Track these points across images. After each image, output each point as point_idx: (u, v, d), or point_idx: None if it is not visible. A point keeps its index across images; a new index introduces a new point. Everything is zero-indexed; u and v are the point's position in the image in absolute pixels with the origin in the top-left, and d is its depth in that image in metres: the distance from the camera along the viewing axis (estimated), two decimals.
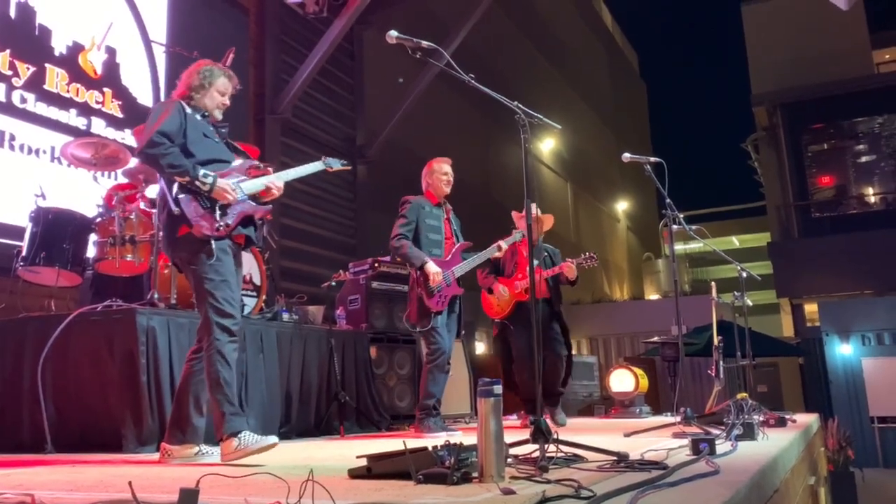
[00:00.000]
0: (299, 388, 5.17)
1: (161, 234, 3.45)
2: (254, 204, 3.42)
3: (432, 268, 4.79)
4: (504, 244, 5.19)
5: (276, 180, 3.49)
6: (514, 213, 5.91)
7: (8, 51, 6.27)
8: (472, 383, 6.65)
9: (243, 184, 3.37)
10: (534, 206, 5.99)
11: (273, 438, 3.09)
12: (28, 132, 6.33)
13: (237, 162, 3.48)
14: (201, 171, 3.20)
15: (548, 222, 5.92)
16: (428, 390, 4.85)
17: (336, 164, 3.87)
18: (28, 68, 6.43)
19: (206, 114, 3.51)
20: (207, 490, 1.86)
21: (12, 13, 6.42)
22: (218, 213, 3.23)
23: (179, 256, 3.33)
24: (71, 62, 6.84)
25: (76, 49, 6.93)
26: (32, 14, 6.59)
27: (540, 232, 5.75)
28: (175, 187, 3.23)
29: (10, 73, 6.27)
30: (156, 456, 3.40)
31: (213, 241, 3.21)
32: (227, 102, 3.59)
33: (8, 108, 6.21)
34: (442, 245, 5.06)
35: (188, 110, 3.40)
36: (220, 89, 3.52)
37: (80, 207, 5.18)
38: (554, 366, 5.78)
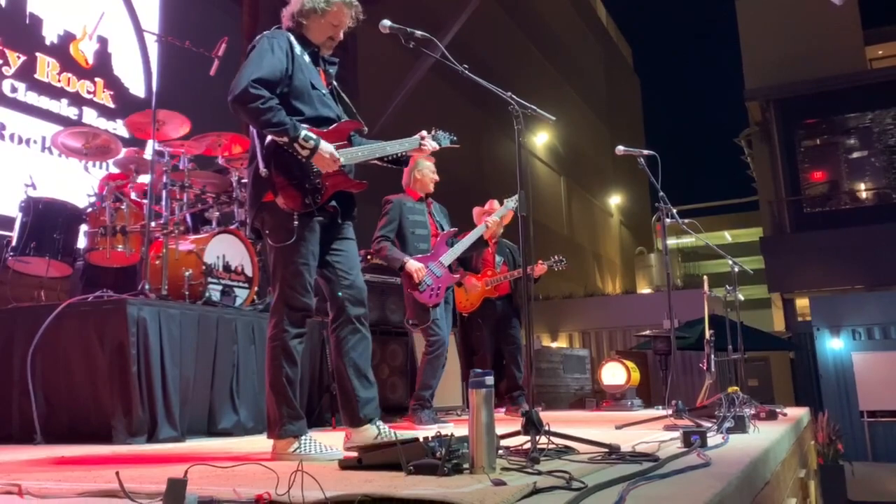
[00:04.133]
0: None
1: (248, 188, 2.98)
2: (350, 177, 2.97)
3: (412, 265, 4.80)
4: (491, 219, 5.23)
5: (378, 152, 3.08)
6: (475, 210, 6.06)
7: None
8: (464, 375, 6.65)
9: (342, 151, 2.88)
10: (495, 201, 6.13)
11: (338, 453, 2.75)
12: (19, 121, 6.29)
13: (338, 122, 2.99)
14: (303, 133, 2.73)
15: (507, 217, 5.95)
16: (426, 381, 4.86)
17: (445, 141, 3.35)
18: (19, 57, 6.38)
19: (317, 49, 3.02)
20: (196, 480, 1.85)
21: (2, 1, 6.37)
22: (310, 184, 2.80)
23: (261, 223, 2.90)
24: (62, 51, 6.80)
25: (68, 38, 6.88)
26: (23, 2, 6.55)
27: (504, 225, 5.90)
28: (268, 141, 2.79)
29: (0, 62, 6.22)
30: (146, 448, 3.39)
31: (298, 217, 2.79)
32: (340, 37, 3.07)
33: None
34: (429, 239, 5.06)
35: (297, 50, 2.90)
36: (335, 19, 3.00)
37: (70, 197, 5.15)
38: (514, 358, 6.02)
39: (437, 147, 3.31)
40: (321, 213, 2.88)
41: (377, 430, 2.91)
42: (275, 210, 2.81)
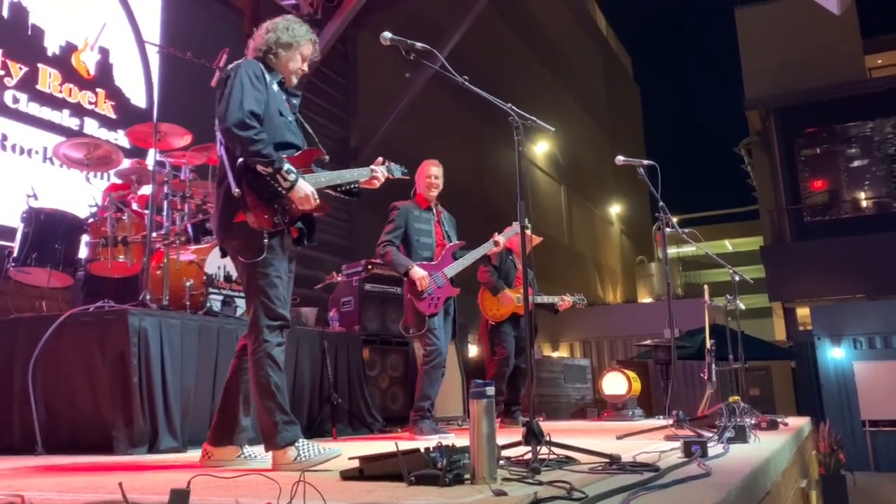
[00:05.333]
0: (292, 390, 5.15)
1: (215, 209, 3.08)
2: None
3: (417, 272, 4.80)
4: (501, 238, 5.22)
5: (336, 179, 3.19)
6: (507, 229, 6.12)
7: (0, 51, 6.25)
8: (465, 386, 6.65)
9: (307, 177, 3.02)
10: (528, 227, 6.23)
11: (337, 450, 2.86)
12: (20, 132, 6.31)
13: (304, 149, 3.13)
14: (286, 166, 2.86)
15: (535, 241, 6.06)
16: (424, 392, 4.84)
17: (397, 172, 3.48)
18: (21, 68, 6.41)
19: (283, 79, 3.16)
20: (198, 491, 1.85)
21: (5, 13, 6.40)
22: (280, 206, 2.91)
23: (230, 244, 3.03)
24: (64, 62, 6.83)
25: (69, 49, 6.91)
26: (25, 14, 6.58)
27: (529, 249, 5.95)
28: (238, 161, 2.90)
29: (2, 73, 6.25)
30: (148, 458, 3.39)
31: (268, 235, 2.91)
32: (306, 69, 3.25)
33: (0, 109, 6.19)
34: (433, 248, 5.06)
35: (268, 78, 3.05)
36: (304, 53, 3.19)
37: (72, 208, 5.16)
38: (523, 374, 6.20)
39: (384, 178, 3.40)
40: (287, 234, 3.01)
41: (240, 451, 3.07)
42: (245, 229, 2.92)
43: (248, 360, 3.00)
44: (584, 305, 6.52)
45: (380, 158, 3.42)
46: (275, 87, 3.09)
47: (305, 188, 2.91)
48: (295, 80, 3.24)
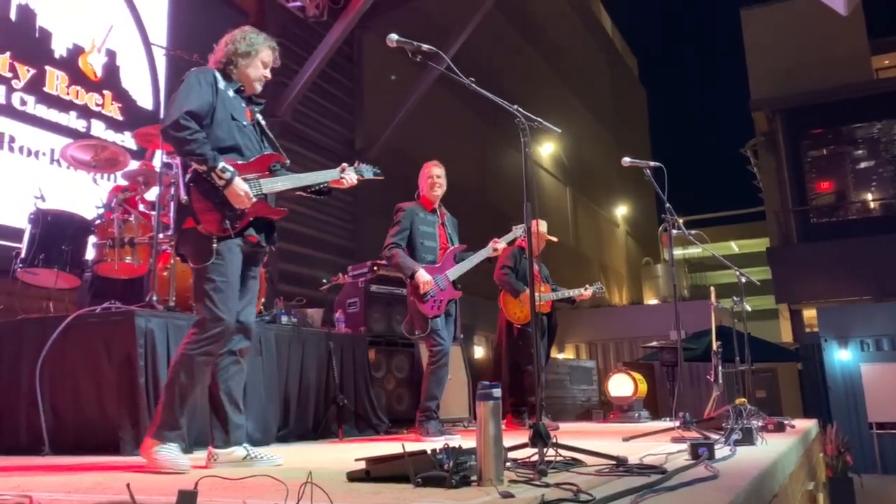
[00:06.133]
0: (298, 392, 5.16)
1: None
2: (270, 205, 3.19)
3: (423, 276, 4.82)
4: (500, 243, 5.20)
5: (298, 182, 3.28)
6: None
7: (8, 53, 6.28)
8: (471, 387, 6.64)
9: (262, 181, 3.12)
10: (542, 223, 6.32)
11: (186, 464, 2.90)
12: (28, 134, 6.34)
13: (259, 154, 3.21)
14: (221, 164, 2.96)
15: (549, 239, 6.34)
16: (431, 392, 4.85)
17: (368, 173, 3.54)
18: (28, 70, 6.43)
19: (242, 87, 3.26)
20: (206, 492, 1.86)
21: (13, 15, 6.42)
22: (228, 210, 3.01)
23: (183, 250, 3.15)
24: (71, 64, 6.85)
25: (76, 51, 6.93)
26: (33, 16, 6.60)
27: (541, 247, 6.10)
28: (191, 170, 3.02)
29: (10, 75, 6.28)
30: None
31: (217, 240, 3.00)
32: (269, 76, 3.35)
33: (8, 110, 6.22)
34: (437, 251, 5.07)
35: (221, 85, 3.15)
36: (264, 60, 3.29)
37: (79, 209, 5.18)
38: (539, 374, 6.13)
39: (356, 179, 3.47)
40: (240, 238, 3.09)
41: (245, 452, 3.12)
42: (195, 235, 3.03)
43: (223, 361, 3.12)
44: (602, 293, 6.52)
45: (344, 165, 3.49)
46: (230, 93, 3.19)
47: (239, 187, 2.98)
48: (259, 87, 3.34)
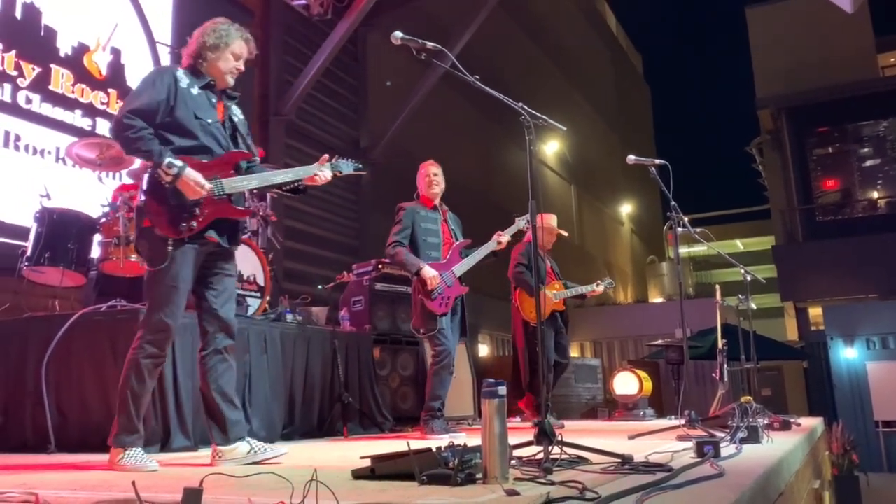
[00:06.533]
0: (303, 390, 5.17)
1: None
2: (234, 205, 3.13)
3: (428, 272, 4.80)
4: (504, 236, 5.17)
5: (268, 180, 3.22)
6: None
7: (13, 51, 6.29)
8: (476, 385, 6.64)
9: (226, 180, 3.06)
10: (552, 217, 6.34)
11: (153, 465, 2.91)
12: (33, 132, 6.35)
13: (224, 153, 3.15)
14: (167, 160, 2.90)
15: (559, 232, 6.42)
16: (434, 392, 4.84)
17: (347, 168, 3.40)
18: (33, 69, 6.44)
19: (213, 81, 3.21)
20: (211, 490, 1.86)
21: (18, 14, 6.43)
22: (186, 212, 2.96)
23: (140, 246, 3.17)
24: (76, 63, 6.86)
25: (81, 50, 6.95)
26: (38, 15, 6.61)
27: (551, 241, 6.18)
28: (149, 172, 3.02)
29: (15, 73, 6.29)
30: (159, 457, 3.40)
31: (171, 243, 2.97)
32: (242, 68, 3.28)
33: (13, 109, 6.23)
34: (440, 248, 5.06)
35: (183, 84, 3.10)
36: (235, 52, 3.23)
37: (84, 208, 5.18)
38: (562, 370, 6.39)
39: (330, 176, 3.36)
40: (198, 240, 3.04)
41: (249, 446, 3.11)
42: (151, 235, 3.01)
43: (210, 360, 3.13)
44: (612, 288, 6.60)
45: (325, 157, 3.40)
46: (195, 90, 3.13)
47: (190, 177, 2.93)
48: (231, 81, 3.26)
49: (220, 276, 3.19)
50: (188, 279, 3.06)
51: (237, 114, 3.32)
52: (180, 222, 2.96)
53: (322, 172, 3.33)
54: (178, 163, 2.93)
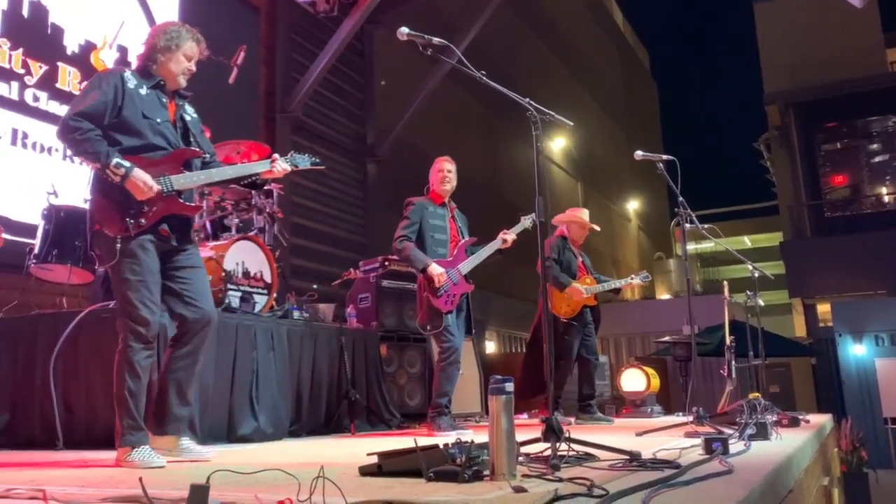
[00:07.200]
0: (310, 386, 5.17)
1: None
2: (183, 201, 3.15)
3: (435, 269, 4.79)
4: (510, 235, 5.15)
5: (218, 176, 3.26)
6: (556, 218, 6.27)
7: (21, 49, 6.30)
8: (483, 382, 6.63)
9: (174, 177, 3.10)
10: (584, 212, 6.34)
11: (161, 462, 2.93)
12: (40, 130, 6.36)
13: (172, 151, 3.19)
14: (115, 160, 2.94)
15: (591, 227, 6.40)
16: (442, 389, 4.84)
17: (304, 163, 3.43)
18: (41, 67, 6.46)
19: (163, 81, 3.25)
20: (218, 486, 1.86)
21: (25, 12, 6.45)
22: (130, 209, 3.00)
23: (93, 248, 3.14)
24: (83, 61, 6.87)
25: (88, 48, 6.96)
26: (45, 13, 6.63)
27: (583, 236, 6.24)
28: (94, 173, 3.07)
29: (22, 71, 6.30)
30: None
31: (120, 240, 2.99)
32: (193, 69, 3.32)
33: (20, 107, 6.25)
34: (447, 245, 5.05)
35: (131, 84, 3.14)
36: (187, 53, 3.27)
37: None
38: (593, 366, 6.28)
39: (289, 168, 3.40)
40: (152, 234, 3.06)
41: (180, 444, 3.14)
42: (102, 236, 3.05)
43: (178, 351, 3.15)
44: (648, 281, 6.59)
45: (276, 156, 3.45)
46: (143, 90, 3.17)
47: (139, 178, 2.96)
48: (183, 81, 3.31)
49: (189, 268, 3.21)
50: (154, 270, 3.08)
51: (190, 113, 3.38)
52: (127, 220, 3.00)
53: (277, 165, 3.38)
54: (126, 163, 2.97)
